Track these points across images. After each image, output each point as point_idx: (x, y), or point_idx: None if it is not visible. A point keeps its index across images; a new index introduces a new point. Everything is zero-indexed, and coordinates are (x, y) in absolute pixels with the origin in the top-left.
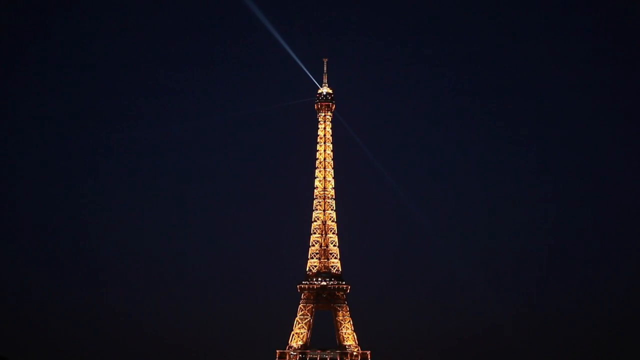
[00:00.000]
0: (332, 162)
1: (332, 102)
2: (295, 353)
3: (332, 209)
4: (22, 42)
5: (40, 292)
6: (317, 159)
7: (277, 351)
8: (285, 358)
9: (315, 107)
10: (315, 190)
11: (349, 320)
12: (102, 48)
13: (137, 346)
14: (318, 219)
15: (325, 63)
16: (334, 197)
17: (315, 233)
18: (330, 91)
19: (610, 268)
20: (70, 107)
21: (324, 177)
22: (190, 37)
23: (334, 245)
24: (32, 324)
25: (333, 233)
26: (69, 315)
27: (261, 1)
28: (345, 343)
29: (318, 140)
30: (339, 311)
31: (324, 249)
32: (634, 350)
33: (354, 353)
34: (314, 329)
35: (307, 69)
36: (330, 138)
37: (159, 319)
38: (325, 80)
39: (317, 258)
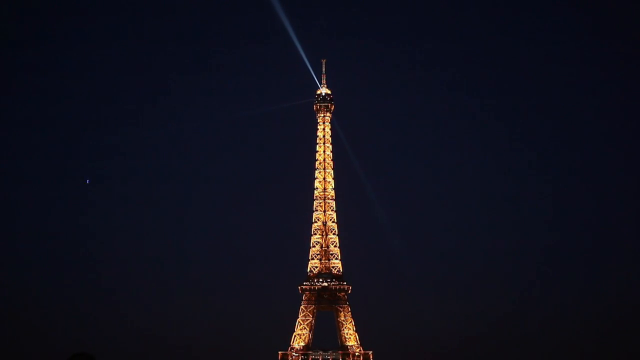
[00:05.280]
0: (331, 162)
1: (330, 103)
2: (297, 354)
3: (332, 210)
4: (22, 45)
5: (41, 293)
6: (317, 159)
7: (279, 352)
8: (287, 359)
9: (314, 108)
10: (315, 191)
11: (351, 321)
12: (102, 51)
13: (138, 347)
14: (318, 219)
15: (323, 64)
16: (334, 197)
17: (315, 234)
18: (329, 92)
19: (609, 267)
20: (71, 110)
21: (324, 178)
22: (189, 40)
23: (335, 246)
24: (32, 325)
25: (333, 234)
26: (70, 315)
27: (259, 4)
28: (347, 343)
29: (317, 141)
30: (341, 312)
31: (325, 250)
32: (631, 349)
33: (356, 353)
34: (315, 329)
35: (306, 70)
36: (330, 139)
37: (160, 320)
38: (324, 81)
39: (318, 259)
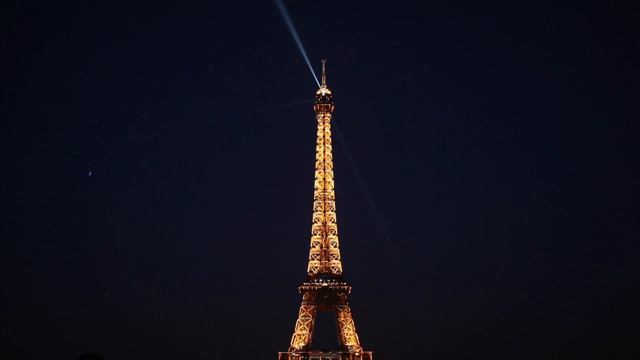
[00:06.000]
0: (331, 163)
1: (330, 103)
2: (297, 354)
3: (332, 210)
4: (23, 45)
5: (42, 293)
6: (317, 160)
7: (279, 353)
8: (287, 359)
9: (314, 108)
10: (315, 192)
11: (351, 321)
12: (102, 52)
13: (139, 347)
14: (318, 220)
15: (323, 64)
16: (334, 198)
17: (315, 234)
18: (329, 92)
19: (608, 267)
20: (71, 110)
21: (324, 178)
22: (188, 41)
23: (335, 246)
24: (33, 325)
25: (333, 234)
26: (71, 316)
27: (260, 4)
28: (347, 344)
29: (317, 141)
30: (341, 312)
31: (325, 250)
32: (631, 350)
33: (356, 354)
34: (315, 330)
35: (306, 71)
36: (330, 139)
37: (161, 320)
38: (324, 81)
39: (317, 259)
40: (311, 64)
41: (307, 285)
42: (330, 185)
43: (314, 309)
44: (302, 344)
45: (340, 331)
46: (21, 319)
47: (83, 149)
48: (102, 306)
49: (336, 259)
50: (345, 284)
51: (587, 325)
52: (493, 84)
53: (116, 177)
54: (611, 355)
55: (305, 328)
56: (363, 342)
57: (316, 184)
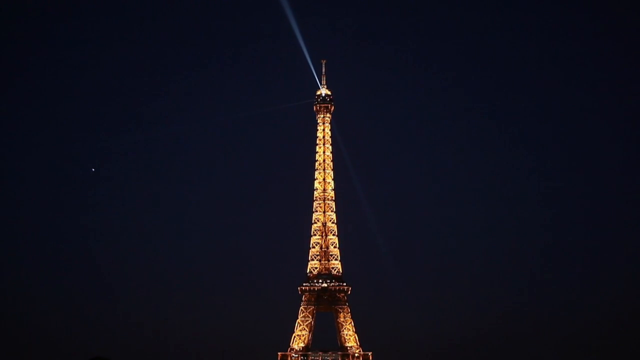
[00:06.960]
0: (331, 163)
1: (330, 104)
2: (296, 355)
3: (332, 211)
4: (23, 45)
5: (42, 293)
6: (317, 160)
7: (279, 353)
8: None
9: (314, 108)
10: (315, 192)
11: (350, 322)
12: (102, 51)
13: (139, 347)
14: (318, 220)
15: (324, 64)
16: (333, 198)
17: (315, 235)
18: (329, 93)
19: (608, 267)
20: (71, 110)
21: (324, 179)
22: (189, 41)
23: (334, 247)
24: (32, 324)
25: (333, 234)
26: (71, 316)
27: (260, 4)
28: (347, 344)
29: (317, 141)
30: (340, 313)
31: (325, 251)
32: (629, 349)
33: (356, 354)
34: (315, 330)
35: (306, 71)
36: (330, 140)
37: (161, 321)
38: (324, 81)
39: (317, 260)
40: (312, 64)
41: (307, 285)
42: (330, 185)
43: (313, 309)
44: (302, 345)
45: (339, 332)
46: (21, 318)
47: (83, 149)
48: (102, 306)
49: (336, 259)
50: (344, 284)
51: (587, 325)
52: (493, 84)
53: (116, 177)
54: (611, 355)
55: (304, 329)
56: (363, 343)
57: (316, 184)
